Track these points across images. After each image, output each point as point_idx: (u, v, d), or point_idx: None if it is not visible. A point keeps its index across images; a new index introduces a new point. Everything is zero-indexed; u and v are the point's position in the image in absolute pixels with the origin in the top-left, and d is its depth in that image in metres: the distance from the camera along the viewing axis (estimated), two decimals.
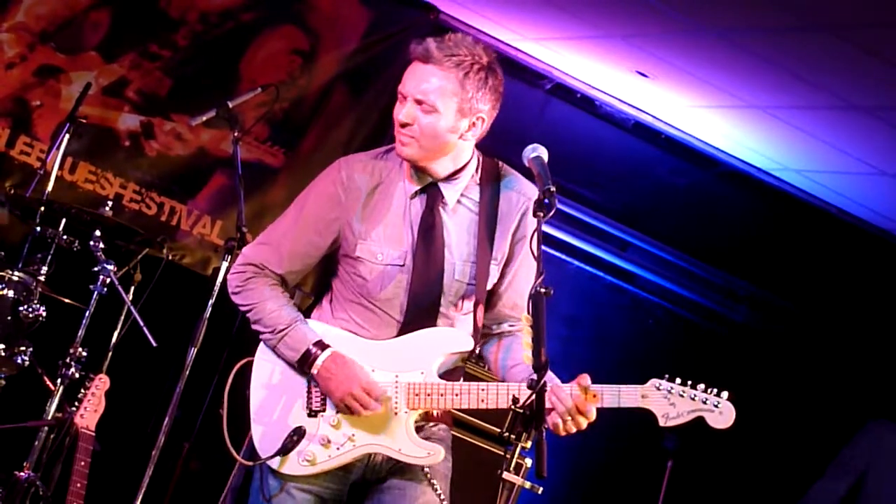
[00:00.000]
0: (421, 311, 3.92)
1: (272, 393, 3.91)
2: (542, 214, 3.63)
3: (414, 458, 3.85)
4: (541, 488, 4.88)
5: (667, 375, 3.76)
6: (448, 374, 3.94)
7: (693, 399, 3.73)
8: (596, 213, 9.28)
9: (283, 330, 3.91)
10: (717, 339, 9.81)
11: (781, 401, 9.16)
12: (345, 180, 3.95)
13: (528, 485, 5.10)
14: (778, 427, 9.18)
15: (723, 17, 6.51)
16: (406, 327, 3.92)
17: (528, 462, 6.09)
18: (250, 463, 3.87)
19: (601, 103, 8.68)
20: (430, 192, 3.96)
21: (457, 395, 3.81)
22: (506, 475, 3.51)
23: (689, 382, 3.77)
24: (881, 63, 6.20)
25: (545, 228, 3.64)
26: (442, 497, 3.95)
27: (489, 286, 4.02)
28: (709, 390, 3.74)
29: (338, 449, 3.83)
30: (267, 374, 3.93)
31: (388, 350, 3.89)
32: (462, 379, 4.00)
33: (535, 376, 3.45)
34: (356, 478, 3.95)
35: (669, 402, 3.73)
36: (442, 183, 3.96)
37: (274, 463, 3.84)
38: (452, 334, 3.93)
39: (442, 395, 3.82)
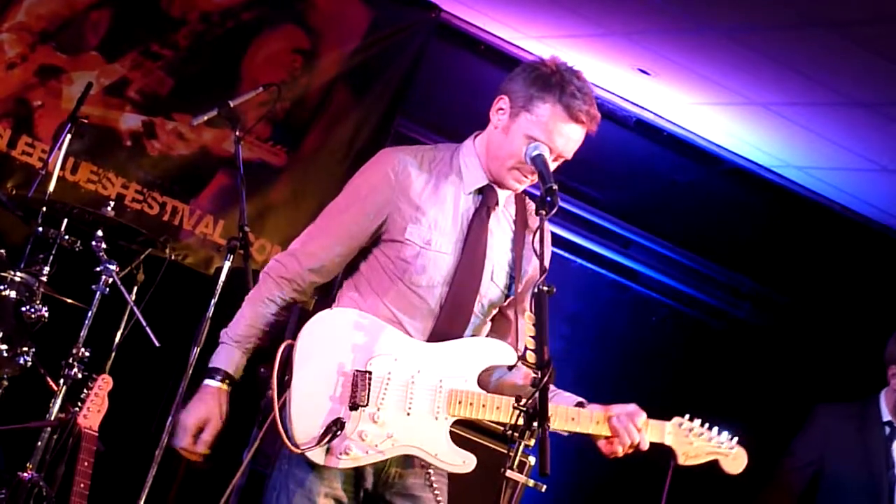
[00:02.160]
0: (458, 305, 3.92)
1: (314, 382, 3.83)
2: (544, 212, 3.64)
3: (449, 465, 3.84)
4: (544, 486, 4.88)
5: (687, 415, 3.87)
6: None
7: (709, 441, 3.92)
8: (598, 210, 9.29)
9: (224, 339, 4.00)
10: (720, 337, 9.81)
11: (785, 398, 9.16)
12: (397, 165, 3.94)
13: (531, 483, 5.10)
14: (781, 425, 9.17)
15: (724, 14, 6.51)
16: (441, 319, 3.90)
17: (532, 460, 6.07)
18: (298, 450, 3.81)
19: (603, 101, 8.67)
20: (486, 191, 3.99)
21: (497, 408, 3.80)
22: (509, 473, 3.51)
23: (707, 424, 3.92)
24: (883, 59, 6.20)
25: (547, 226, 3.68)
26: None
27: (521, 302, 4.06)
28: (724, 434, 3.87)
29: (376, 445, 3.79)
30: (310, 362, 3.85)
31: (435, 353, 3.87)
32: None
33: (534, 376, 3.46)
34: (368, 485, 3.93)
35: (689, 441, 3.85)
36: (497, 186, 4.01)
37: (309, 452, 3.79)
38: (498, 346, 3.93)
39: (484, 405, 3.81)
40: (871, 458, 5.89)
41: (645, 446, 3.79)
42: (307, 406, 3.82)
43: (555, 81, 3.86)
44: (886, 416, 5.96)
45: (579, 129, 3.85)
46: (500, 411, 3.79)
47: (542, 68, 3.92)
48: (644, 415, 3.80)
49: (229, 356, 3.98)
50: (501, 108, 3.95)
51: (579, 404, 3.87)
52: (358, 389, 3.81)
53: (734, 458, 3.93)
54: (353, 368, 3.82)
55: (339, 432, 3.77)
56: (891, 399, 5.98)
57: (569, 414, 3.80)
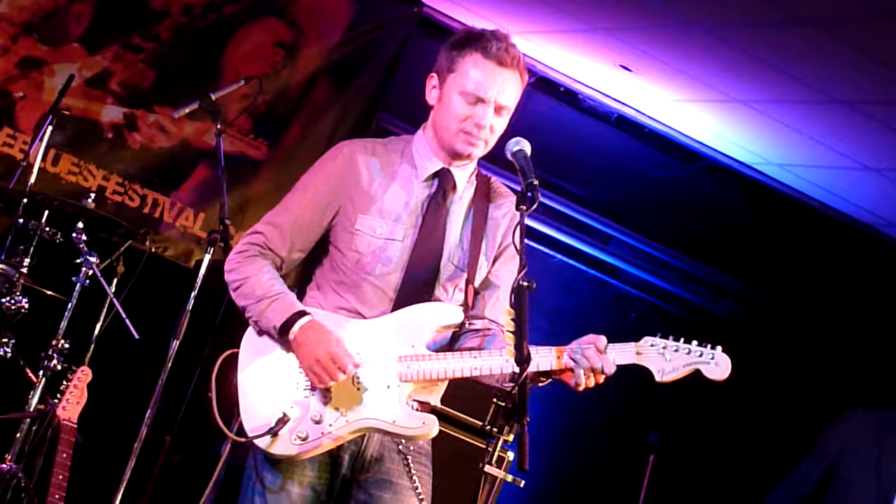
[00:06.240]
0: (415, 289, 3.94)
1: (261, 374, 3.88)
2: (524, 208, 3.64)
3: (409, 430, 3.83)
4: (522, 482, 4.89)
5: (659, 333, 3.79)
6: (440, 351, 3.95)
7: (688, 353, 3.78)
8: (579, 206, 9.30)
9: (273, 296, 3.87)
10: (700, 333, 9.78)
11: (764, 394, 9.19)
12: (347, 157, 3.99)
13: (509, 478, 5.11)
14: (760, 420, 9.20)
15: (706, 12, 6.52)
16: (399, 304, 3.93)
17: (510, 455, 6.08)
18: (242, 440, 3.82)
19: (584, 97, 8.68)
20: (441, 176, 4.02)
21: (448, 363, 3.81)
22: (488, 468, 3.52)
23: (682, 339, 3.79)
24: (864, 57, 6.22)
25: (528, 222, 3.67)
26: None
27: (478, 279, 4.06)
28: (703, 344, 3.76)
29: (330, 426, 3.80)
30: (255, 357, 3.91)
31: (378, 327, 3.89)
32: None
33: (516, 368, 3.45)
34: (345, 471, 3.94)
35: (665, 357, 3.75)
36: (454, 168, 4.03)
37: (264, 443, 3.80)
38: (441, 307, 3.94)
39: (432, 365, 3.82)
40: (881, 465, 5.84)
41: (610, 370, 3.71)
42: (256, 400, 3.86)
43: (470, 37, 3.95)
44: None
45: (506, 72, 3.90)
46: (451, 367, 3.80)
47: (458, 35, 4.02)
48: (604, 339, 3.76)
49: (291, 300, 3.89)
50: (433, 85, 4.01)
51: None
52: (304, 374, 3.85)
53: (717, 364, 3.77)
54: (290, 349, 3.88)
55: (290, 419, 3.80)
56: None
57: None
